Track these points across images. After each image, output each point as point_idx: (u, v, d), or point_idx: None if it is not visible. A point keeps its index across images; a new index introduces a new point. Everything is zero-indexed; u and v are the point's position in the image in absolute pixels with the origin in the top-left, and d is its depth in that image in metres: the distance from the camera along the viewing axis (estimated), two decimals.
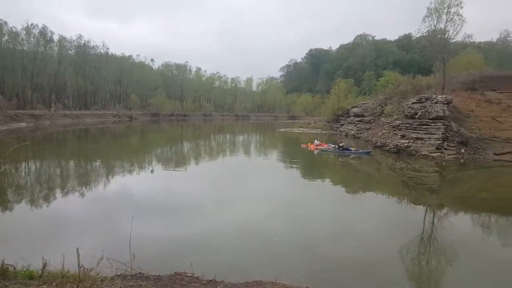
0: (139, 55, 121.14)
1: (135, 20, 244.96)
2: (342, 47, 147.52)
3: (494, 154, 25.02)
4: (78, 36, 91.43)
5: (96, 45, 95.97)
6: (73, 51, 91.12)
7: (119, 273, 4.35)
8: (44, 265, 3.69)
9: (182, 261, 6.54)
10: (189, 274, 5.21)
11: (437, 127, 26.29)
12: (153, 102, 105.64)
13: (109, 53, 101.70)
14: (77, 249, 3.36)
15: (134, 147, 35.52)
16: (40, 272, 3.72)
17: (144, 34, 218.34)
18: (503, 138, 26.56)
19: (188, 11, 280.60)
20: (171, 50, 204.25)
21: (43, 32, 77.20)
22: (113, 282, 3.92)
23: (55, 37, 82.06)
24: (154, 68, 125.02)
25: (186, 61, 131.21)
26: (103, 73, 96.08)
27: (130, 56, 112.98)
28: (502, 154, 24.96)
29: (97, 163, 23.32)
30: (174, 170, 20.98)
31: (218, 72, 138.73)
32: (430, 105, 26.92)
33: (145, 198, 13.62)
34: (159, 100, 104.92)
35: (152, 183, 16.94)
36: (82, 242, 3.90)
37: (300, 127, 62.70)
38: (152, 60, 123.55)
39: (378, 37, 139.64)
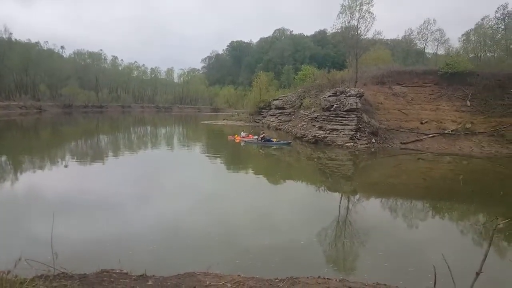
0: (47, 42, 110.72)
1: (34, 3, 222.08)
2: (262, 40, 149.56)
3: (401, 143, 27.78)
4: None
5: None
6: None
7: (40, 274, 4.07)
8: None
9: (108, 259, 6.28)
10: (117, 271, 5.01)
11: (350, 118, 28.03)
12: (64, 92, 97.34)
13: (13, 39, 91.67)
14: None
15: (47, 141, 32.71)
16: None
17: (49, 20, 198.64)
18: (408, 128, 29.51)
19: None
20: (82, 39, 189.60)
21: None
22: (34, 284, 3.69)
23: None
24: (65, 56, 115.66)
25: (101, 49, 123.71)
26: (6, 61, 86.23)
27: (37, 43, 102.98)
28: (407, 143, 27.86)
29: (5, 159, 21.10)
30: (91, 165, 19.84)
31: (136, 62, 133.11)
32: (344, 98, 28.61)
33: (63, 195, 12.76)
34: (71, 91, 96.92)
35: (69, 179, 15.83)
36: None
37: (224, 119, 63.00)
38: (62, 47, 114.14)
39: (295, 32, 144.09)
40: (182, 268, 5.65)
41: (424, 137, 28.52)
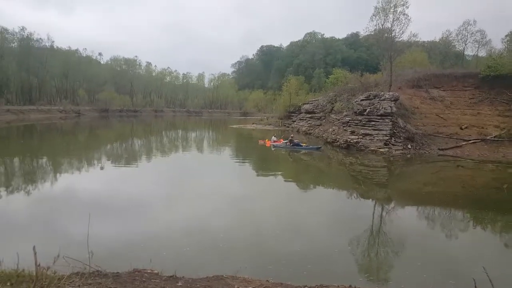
0: (86, 49, 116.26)
1: (75, 11, 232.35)
2: (292, 44, 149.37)
3: (438, 149, 26.59)
4: (21, 28, 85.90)
5: (40, 38, 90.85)
6: (15, 44, 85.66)
7: (76, 271, 4.23)
8: None
9: (140, 258, 6.34)
10: (148, 271, 5.15)
11: (385, 123, 27.23)
12: (101, 97, 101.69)
13: (55, 47, 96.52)
14: (34, 247, 3.17)
15: (85, 144, 33.93)
16: None
17: (86, 27, 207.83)
18: (446, 134, 28.19)
19: (129, 4, 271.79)
20: (116, 44, 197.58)
21: None
22: (71, 280, 3.78)
23: None
24: (102, 62, 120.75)
25: (136, 56, 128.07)
26: (48, 67, 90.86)
27: (76, 50, 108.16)
28: (446, 149, 26.62)
29: (46, 161, 21.98)
30: (125, 168, 20.33)
31: (169, 67, 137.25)
32: (378, 102, 27.90)
33: (99, 196, 13.16)
34: (107, 96, 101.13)
35: (105, 181, 16.35)
36: (38, 241, 3.67)
37: (253, 124, 63.12)
38: (100, 54, 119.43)
39: (327, 35, 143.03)
40: (211, 271, 5.69)
41: (464, 143, 27.20)
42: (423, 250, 9.03)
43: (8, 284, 3.29)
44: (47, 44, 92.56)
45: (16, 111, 70.01)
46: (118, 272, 4.82)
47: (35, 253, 3.17)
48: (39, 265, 3.22)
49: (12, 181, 15.91)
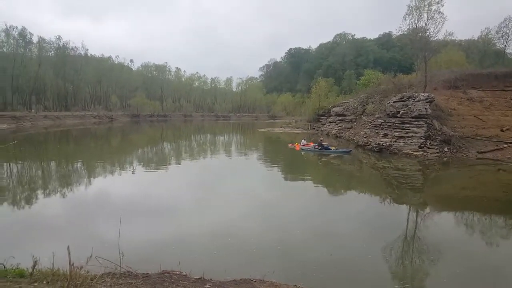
0: (118, 56, 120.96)
1: (106, 19, 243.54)
2: (321, 46, 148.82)
3: (477, 152, 25.31)
4: (57, 37, 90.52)
5: (75, 47, 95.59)
6: (52, 52, 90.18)
7: (108, 271, 4.33)
8: (35, 263, 3.54)
9: (169, 260, 6.47)
10: (177, 272, 5.27)
11: (419, 125, 26.42)
12: (133, 103, 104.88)
13: (89, 54, 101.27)
14: (68, 247, 3.18)
15: (116, 148, 34.96)
16: (30, 270, 3.55)
17: (118, 35, 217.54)
18: (486, 136, 26.88)
19: (159, 11, 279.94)
20: (147, 51, 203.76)
21: (22, 34, 76.93)
22: (103, 280, 3.83)
23: (34, 39, 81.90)
24: (133, 69, 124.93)
25: (166, 62, 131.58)
26: (82, 75, 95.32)
27: (109, 57, 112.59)
28: (485, 152, 25.30)
29: (80, 165, 22.88)
30: (155, 171, 20.68)
31: (197, 73, 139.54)
32: (412, 104, 27.14)
33: (130, 199, 13.47)
34: (139, 101, 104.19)
35: (136, 184, 16.76)
36: (72, 242, 3.72)
37: (281, 127, 63.05)
38: (131, 61, 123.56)
39: (358, 35, 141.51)
40: (239, 274, 5.78)
41: (505, 145, 25.74)
42: (462, 257, 8.69)
43: (45, 282, 3.35)
44: (81, 52, 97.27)
45: (53, 117, 73.12)
46: (148, 273, 4.93)
47: (69, 253, 3.20)
48: (73, 264, 3.25)
49: (49, 184, 16.53)
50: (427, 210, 13.67)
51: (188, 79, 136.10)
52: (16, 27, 75.78)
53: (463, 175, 21.03)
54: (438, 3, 29.73)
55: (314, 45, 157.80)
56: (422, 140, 25.74)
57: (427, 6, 30.04)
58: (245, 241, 8.90)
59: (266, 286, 5.16)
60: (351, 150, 27.90)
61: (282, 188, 16.82)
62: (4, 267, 3.66)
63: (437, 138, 26.16)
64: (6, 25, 74.53)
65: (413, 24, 31.58)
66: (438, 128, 26.84)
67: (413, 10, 31.02)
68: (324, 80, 65.53)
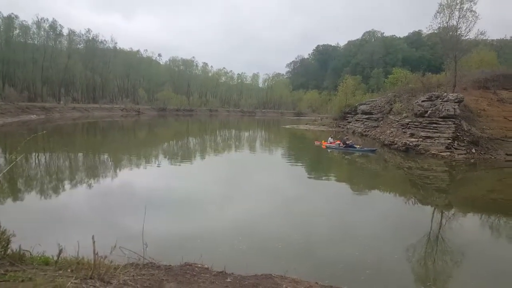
0: (146, 50, 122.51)
1: (136, 14, 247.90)
2: (350, 43, 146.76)
3: (506, 154, 24.57)
4: (87, 30, 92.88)
5: (104, 40, 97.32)
6: (82, 45, 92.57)
7: (131, 262, 4.40)
8: (60, 252, 3.70)
9: (192, 253, 6.49)
10: (199, 265, 5.25)
11: (447, 126, 25.82)
12: (160, 97, 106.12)
13: (117, 48, 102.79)
14: (93, 236, 3.33)
15: (143, 141, 35.70)
16: (55, 258, 3.73)
17: (147, 29, 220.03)
18: None
19: (188, 6, 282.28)
20: (175, 45, 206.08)
21: (53, 26, 78.54)
22: (126, 270, 3.93)
23: (65, 31, 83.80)
24: (161, 63, 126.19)
25: (193, 57, 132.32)
26: (111, 67, 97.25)
27: (138, 51, 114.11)
28: None
29: (107, 156, 23.45)
30: (180, 165, 21.03)
31: (224, 68, 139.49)
32: (441, 104, 26.52)
33: (154, 191, 13.71)
34: (166, 95, 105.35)
35: (161, 177, 17.04)
36: (96, 231, 3.87)
37: (306, 124, 62.58)
38: (159, 55, 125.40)
39: (387, 33, 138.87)
40: (260, 269, 5.71)
41: None
42: (487, 261, 8.46)
43: (69, 270, 3.47)
44: (110, 45, 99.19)
45: (81, 108, 74.86)
46: (170, 265, 4.95)
47: (94, 242, 3.34)
48: (97, 254, 3.38)
49: (76, 175, 17.03)
50: (453, 211, 13.40)
51: (215, 74, 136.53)
52: (47, 19, 77.89)
53: (491, 178, 20.47)
54: (471, 1, 28.94)
55: (342, 42, 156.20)
56: (449, 141, 25.12)
57: (459, 5, 29.28)
58: (268, 236, 8.96)
59: (287, 282, 5.11)
60: (376, 149, 27.51)
61: (306, 185, 16.78)
62: (31, 254, 3.80)
63: (465, 139, 25.45)
64: (37, 17, 76.63)
65: (444, 22, 30.89)
66: (466, 129, 26.11)
67: (445, 8, 30.24)
68: (351, 78, 64.60)
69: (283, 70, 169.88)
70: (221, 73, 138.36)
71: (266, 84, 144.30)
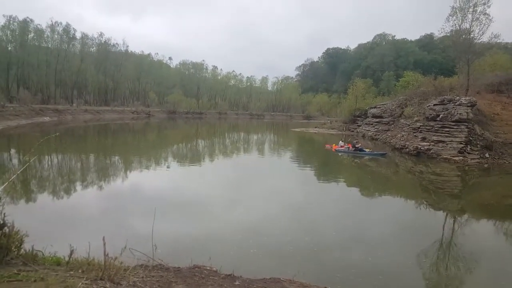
0: (157, 53, 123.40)
1: (146, 16, 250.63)
2: (360, 46, 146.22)
3: None
4: (99, 33, 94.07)
5: (116, 43, 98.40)
6: (94, 48, 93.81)
7: (141, 263, 4.39)
8: (71, 252, 3.72)
9: (201, 255, 6.53)
10: (207, 268, 5.27)
11: (460, 130, 25.50)
12: (170, 99, 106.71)
13: (129, 51, 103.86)
14: (103, 237, 3.33)
15: (153, 144, 35.91)
16: (67, 258, 3.76)
17: (158, 32, 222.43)
18: None
19: (197, 9, 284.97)
20: (183, 47, 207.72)
21: (67, 29, 79.94)
22: (135, 272, 3.93)
23: (78, 35, 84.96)
24: (171, 66, 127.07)
25: (203, 60, 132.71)
26: (123, 71, 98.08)
27: (149, 54, 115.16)
28: None
29: (118, 158, 23.69)
30: (189, 167, 21.14)
31: (233, 71, 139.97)
32: (453, 107, 26.21)
33: (164, 193, 13.85)
34: (176, 98, 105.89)
35: (170, 179, 17.18)
36: (107, 233, 3.89)
37: (315, 127, 62.40)
38: (170, 58, 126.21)
39: (398, 36, 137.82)
40: (269, 273, 5.74)
41: None
42: (502, 268, 8.36)
43: (80, 271, 3.49)
44: (122, 48, 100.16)
45: (93, 111, 75.63)
46: (179, 267, 4.96)
47: (104, 244, 3.34)
48: (107, 255, 3.38)
49: (87, 176, 17.22)
50: (465, 217, 13.28)
51: (224, 77, 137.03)
52: (61, 23, 79.15)
53: (505, 183, 20.16)
54: (484, 4, 28.49)
55: (352, 46, 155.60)
56: (462, 145, 24.82)
57: (472, 7, 28.86)
58: (277, 240, 8.94)
59: (296, 286, 5.12)
60: (386, 153, 27.30)
61: (315, 188, 16.78)
62: (43, 254, 3.86)
63: (478, 144, 25.13)
64: (51, 21, 77.92)
65: (457, 25, 30.55)
66: (479, 133, 25.75)
67: (457, 11, 29.90)
68: (361, 81, 64.24)
69: (292, 73, 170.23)
70: (230, 76, 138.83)
71: (275, 87, 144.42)
